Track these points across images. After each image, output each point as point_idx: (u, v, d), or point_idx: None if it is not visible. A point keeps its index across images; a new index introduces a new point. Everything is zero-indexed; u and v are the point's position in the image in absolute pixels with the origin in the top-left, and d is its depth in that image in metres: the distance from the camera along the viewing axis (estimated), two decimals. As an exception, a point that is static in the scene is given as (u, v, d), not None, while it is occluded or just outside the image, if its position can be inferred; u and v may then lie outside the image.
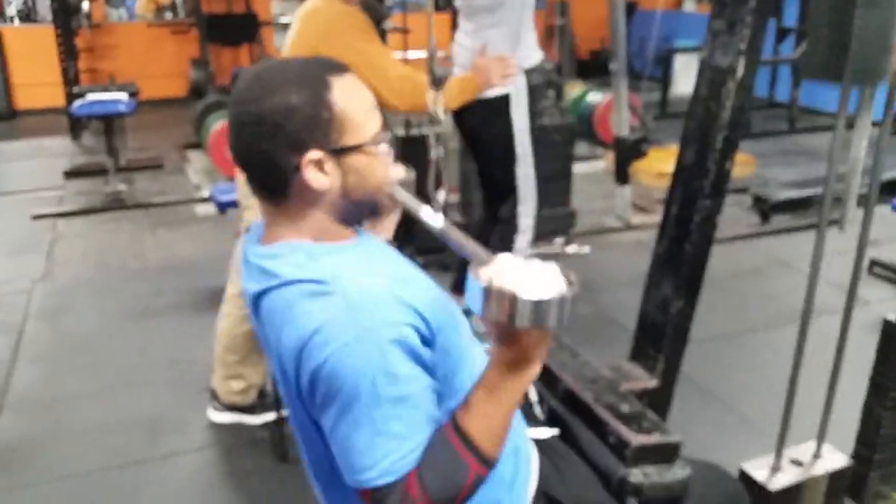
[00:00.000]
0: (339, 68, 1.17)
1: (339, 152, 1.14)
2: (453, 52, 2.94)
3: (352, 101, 1.14)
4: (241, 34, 9.24)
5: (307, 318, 1.09)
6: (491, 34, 2.72)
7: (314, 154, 1.12)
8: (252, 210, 2.54)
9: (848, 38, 1.54)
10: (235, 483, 2.58)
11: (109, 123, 5.58)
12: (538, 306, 0.98)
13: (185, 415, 2.90)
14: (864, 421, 2.03)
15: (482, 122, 2.84)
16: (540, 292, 0.99)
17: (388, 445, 1.06)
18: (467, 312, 1.16)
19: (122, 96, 5.54)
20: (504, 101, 2.77)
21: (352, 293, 1.09)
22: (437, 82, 2.61)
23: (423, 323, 1.12)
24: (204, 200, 5.37)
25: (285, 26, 7.30)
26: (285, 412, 2.74)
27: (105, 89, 5.83)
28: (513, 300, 0.98)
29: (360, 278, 1.12)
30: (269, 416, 2.78)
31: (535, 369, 1.09)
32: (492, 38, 2.72)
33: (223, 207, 4.03)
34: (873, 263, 3.97)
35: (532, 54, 2.84)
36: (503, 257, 1.05)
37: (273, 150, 1.12)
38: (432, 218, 1.21)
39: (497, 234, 2.98)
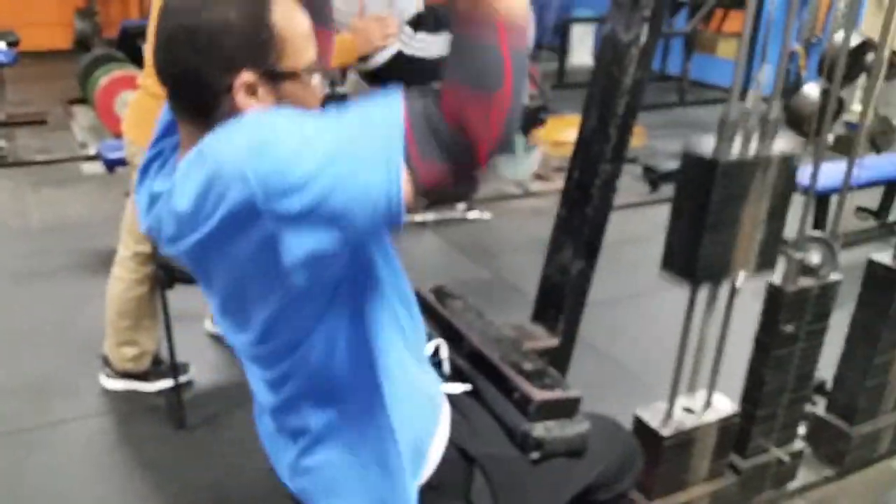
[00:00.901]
0: None
1: (274, 76, 1.08)
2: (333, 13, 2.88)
3: (291, 24, 1.09)
4: (130, -16, 8.82)
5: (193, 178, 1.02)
6: None
7: (248, 76, 1.06)
8: None
9: (697, 250, 1.71)
10: (131, 450, 2.52)
11: (-14, 75, 5.29)
12: None
13: (76, 381, 2.80)
14: (749, 378, 2.15)
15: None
16: None
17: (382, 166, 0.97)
18: None
19: (0, 45, 5.22)
20: (401, 58, 2.73)
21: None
22: None
23: None
24: (91, 158, 5.13)
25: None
26: (183, 379, 2.72)
27: (-20, 38, 5.49)
28: None
29: None
30: (165, 384, 2.72)
31: None
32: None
33: (111, 165, 3.87)
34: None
35: (409, 6, 2.82)
36: None
37: (204, 67, 1.05)
38: None
39: None
